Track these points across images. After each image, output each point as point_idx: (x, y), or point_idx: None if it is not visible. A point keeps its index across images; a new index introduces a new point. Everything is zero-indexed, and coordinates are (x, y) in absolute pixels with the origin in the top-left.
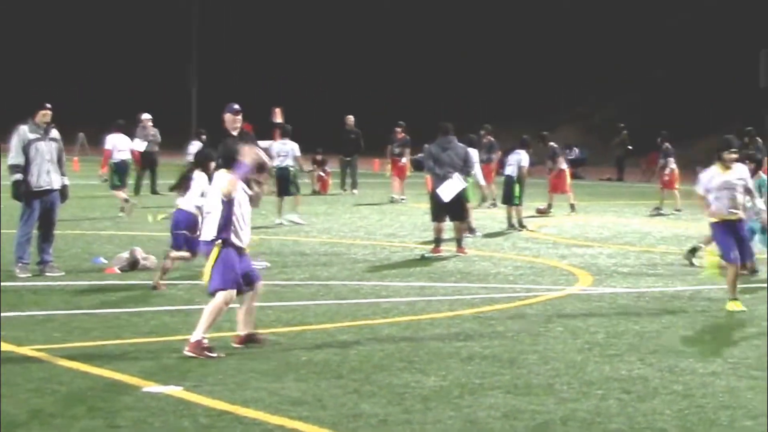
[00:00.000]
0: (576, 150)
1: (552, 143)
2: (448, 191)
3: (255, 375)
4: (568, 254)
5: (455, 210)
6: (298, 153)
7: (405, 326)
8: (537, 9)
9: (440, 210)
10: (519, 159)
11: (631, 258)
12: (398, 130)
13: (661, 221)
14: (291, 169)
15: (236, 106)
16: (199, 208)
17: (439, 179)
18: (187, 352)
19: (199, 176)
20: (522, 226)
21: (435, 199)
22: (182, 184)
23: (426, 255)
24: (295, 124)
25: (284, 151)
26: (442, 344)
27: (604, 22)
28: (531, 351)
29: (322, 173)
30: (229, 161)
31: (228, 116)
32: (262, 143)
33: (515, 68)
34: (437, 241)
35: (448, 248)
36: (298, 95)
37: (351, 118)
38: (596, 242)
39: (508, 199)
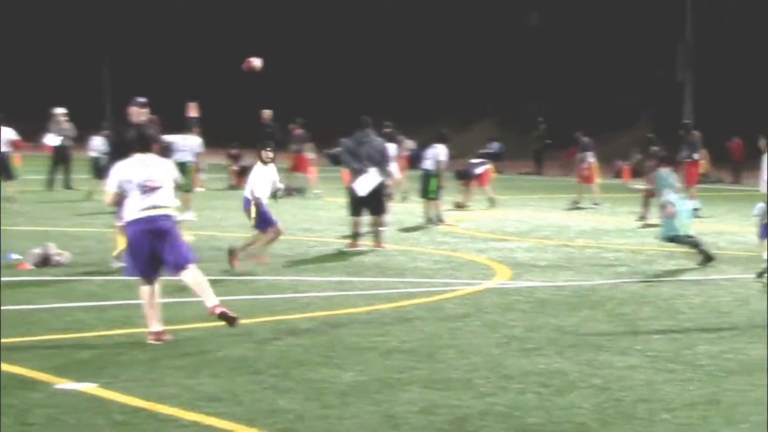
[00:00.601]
0: (495, 144)
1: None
2: (364, 185)
3: (170, 371)
4: (486, 248)
5: (373, 204)
6: (198, 149)
7: (322, 321)
8: (454, 2)
9: (358, 204)
10: (436, 153)
11: (549, 252)
12: (293, 126)
13: (579, 215)
14: (189, 164)
15: (141, 99)
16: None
17: (356, 173)
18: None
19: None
20: (440, 220)
21: (352, 193)
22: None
23: (344, 249)
24: (212, 119)
25: (185, 146)
26: (360, 339)
27: (519, 15)
28: (449, 345)
29: (237, 168)
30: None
31: (133, 109)
32: (167, 137)
33: (433, 62)
34: (355, 235)
35: (365, 242)
36: (214, 89)
37: (268, 113)
38: (514, 236)
39: (426, 193)
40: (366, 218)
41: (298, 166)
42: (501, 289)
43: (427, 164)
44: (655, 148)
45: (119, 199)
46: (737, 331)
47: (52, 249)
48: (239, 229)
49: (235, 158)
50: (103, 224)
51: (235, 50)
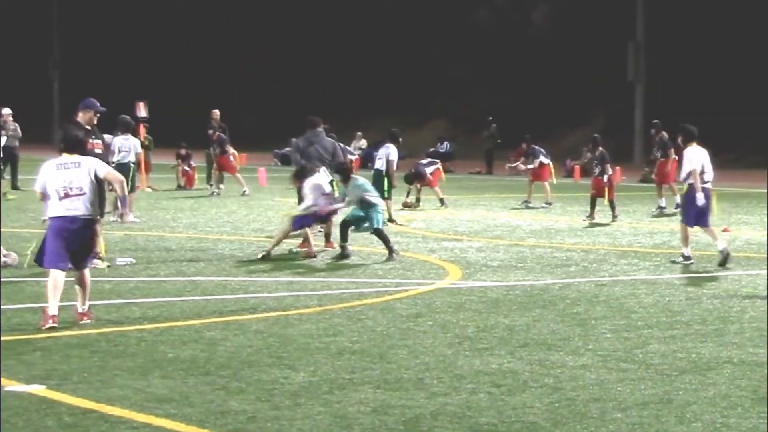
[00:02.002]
0: (446, 144)
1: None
2: None
3: (120, 372)
4: (437, 248)
5: None
6: (140, 149)
7: (273, 322)
8: (405, 2)
9: None
10: (388, 153)
11: (500, 251)
12: (210, 132)
13: (531, 214)
14: (132, 165)
15: (92, 101)
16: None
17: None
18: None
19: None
20: (391, 220)
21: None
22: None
23: (294, 250)
24: (160, 118)
25: (126, 146)
26: (311, 339)
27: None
28: (401, 345)
29: (187, 168)
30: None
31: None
32: (107, 138)
33: (383, 62)
34: (305, 235)
35: (316, 243)
36: (162, 88)
37: (216, 112)
38: (466, 236)
39: (378, 193)
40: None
41: (225, 166)
42: (453, 289)
43: (379, 164)
44: (601, 149)
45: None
46: (689, 330)
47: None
48: (188, 230)
49: (183, 158)
50: None
51: (185, 49)
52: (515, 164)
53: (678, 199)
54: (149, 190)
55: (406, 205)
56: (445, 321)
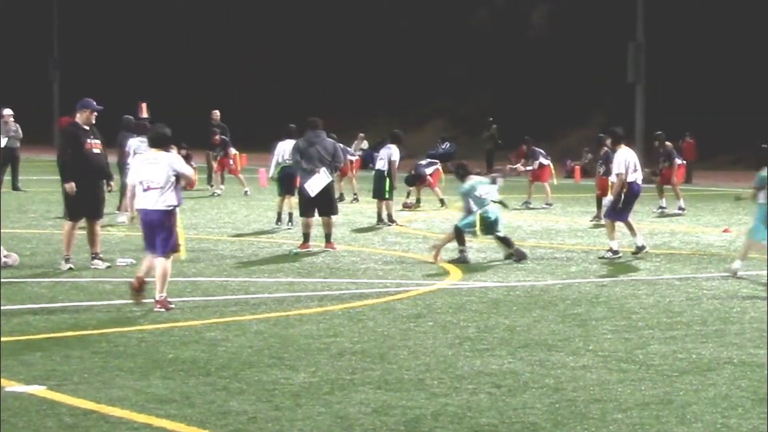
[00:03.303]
0: (447, 144)
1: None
2: (314, 186)
3: (121, 373)
4: None
5: (324, 205)
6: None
7: (274, 322)
8: (405, 3)
9: (308, 205)
10: (389, 153)
11: (501, 252)
12: (213, 136)
13: (531, 215)
14: None
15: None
16: None
17: (307, 174)
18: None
19: None
20: (392, 220)
21: (302, 194)
22: None
23: (294, 250)
24: (160, 119)
25: (142, 148)
26: (312, 340)
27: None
28: (401, 346)
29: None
30: None
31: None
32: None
33: (384, 62)
34: (306, 236)
35: (316, 243)
36: (162, 88)
37: (217, 113)
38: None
39: (379, 193)
40: (317, 219)
41: (227, 168)
42: (453, 290)
43: (380, 164)
44: (605, 149)
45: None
46: (690, 331)
47: (1, 251)
48: (188, 230)
49: (184, 159)
50: (52, 226)
51: (185, 49)
52: (515, 165)
53: (682, 202)
54: None
55: (405, 206)
56: (445, 322)
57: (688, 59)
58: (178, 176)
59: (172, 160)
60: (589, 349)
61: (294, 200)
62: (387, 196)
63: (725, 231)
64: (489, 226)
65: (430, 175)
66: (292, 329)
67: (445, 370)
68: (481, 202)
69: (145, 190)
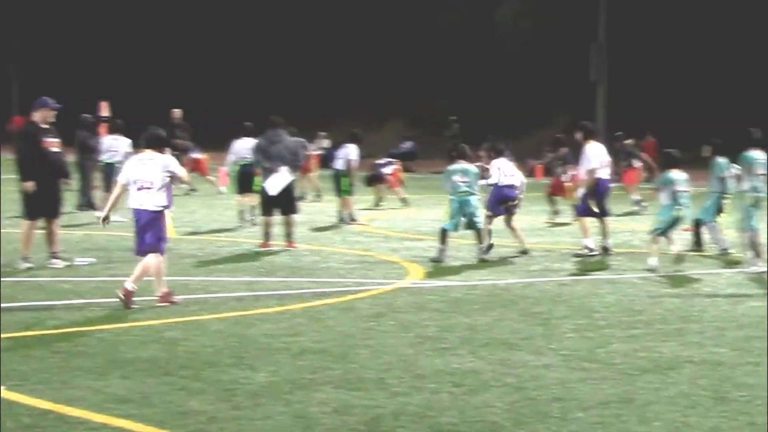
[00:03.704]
0: (408, 143)
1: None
2: (275, 185)
3: (79, 373)
4: (399, 248)
5: (284, 204)
6: (129, 149)
7: (234, 322)
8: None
9: (269, 204)
10: (347, 153)
11: (462, 251)
12: (176, 140)
13: None
14: (117, 165)
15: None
16: None
17: (268, 173)
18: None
19: None
20: (353, 219)
21: (263, 193)
22: None
23: (255, 249)
24: (121, 118)
25: (115, 146)
26: (272, 339)
27: (429, 16)
28: (362, 345)
29: None
30: None
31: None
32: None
33: (346, 62)
34: (266, 235)
35: (277, 242)
36: (126, 87)
37: (177, 112)
38: (428, 235)
39: (338, 192)
40: (277, 218)
41: (194, 169)
42: (414, 289)
43: (339, 164)
44: (564, 150)
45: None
46: (651, 329)
47: None
48: None
49: None
50: (10, 225)
51: (146, 48)
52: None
53: (636, 197)
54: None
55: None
56: (406, 321)
57: (650, 58)
58: (173, 177)
59: (167, 161)
60: (551, 348)
61: (254, 198)
62: (344, 194)
63: (685, 230)
64: (469, 219)
65: (390, 174)
66: (253, 329)
67: (405, 369)
68: (455, 188)
69: (138, 190)
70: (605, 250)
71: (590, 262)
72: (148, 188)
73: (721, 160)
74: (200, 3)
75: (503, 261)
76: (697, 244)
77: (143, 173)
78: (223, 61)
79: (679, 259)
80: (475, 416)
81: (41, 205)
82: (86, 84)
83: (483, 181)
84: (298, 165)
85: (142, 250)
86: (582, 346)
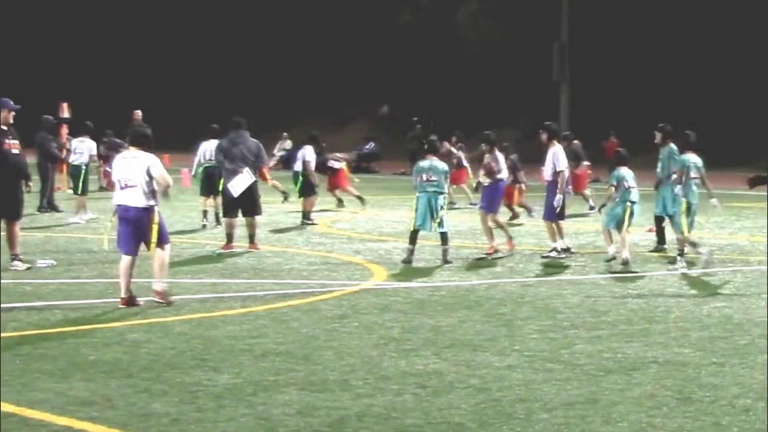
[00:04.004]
0: (371, 144)
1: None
2: (238, 186)
3: (41, 375)
4: (362, 249)
5: (247, 205)
6: (94, 151)
7: (197, 323)
8: (327, 3)
9: (231, 205)
10: (304, 154)
11: (426, 252)
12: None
13: (456, 215)
14: (84, 167)
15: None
16: None
17: (230, 174)
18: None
19: None
20: (309, 218)
21: (226, 194)
22: None
23: (217, 251)
24: (83, 119)
25: (81, 148)
26: (235, 341)
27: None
28: (326, 347)
29: (109, 169)
30: None
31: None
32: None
33: (309, 63)
34: (229, 236)
35: (240, 244)
36: (85, 88)
37: (138, 113)
38: (391, 236)
39: (299, 193)
40: (240, 219)
41: None
42: (378, 290)
43: (297, 165)
44: (512, 157)
45: None
46: (615, 330)
47: None
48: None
49: (106, 159)
50: None
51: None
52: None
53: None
54: (70, 191)
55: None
56: (370, 322)
57: (612, 59)
58: (151, 178)
59: (150, 161)
60: (515, 349)
61: (217, 200)
62: (299, 196)
63: (649, 230)
64: (438, 218)
65: (335, 176)
66: (216, 330)
67: (369, 370)
68: (421, 187)
69: (122, 188)
70: (567, 251)
71: (554, 264)
72: (132, 186)
73: (675, 147)
74: (164, 5)
75: (467, 262)
76: (660, 242)
77: (127, 172)
78: (187, 62)
79: (624, 261)
80: (439, 417)
81: (2, 207)
82: (47, 85)
83: (486, 181)
84: (260, 166)
85: (127, 249)
86: (546, 347)
